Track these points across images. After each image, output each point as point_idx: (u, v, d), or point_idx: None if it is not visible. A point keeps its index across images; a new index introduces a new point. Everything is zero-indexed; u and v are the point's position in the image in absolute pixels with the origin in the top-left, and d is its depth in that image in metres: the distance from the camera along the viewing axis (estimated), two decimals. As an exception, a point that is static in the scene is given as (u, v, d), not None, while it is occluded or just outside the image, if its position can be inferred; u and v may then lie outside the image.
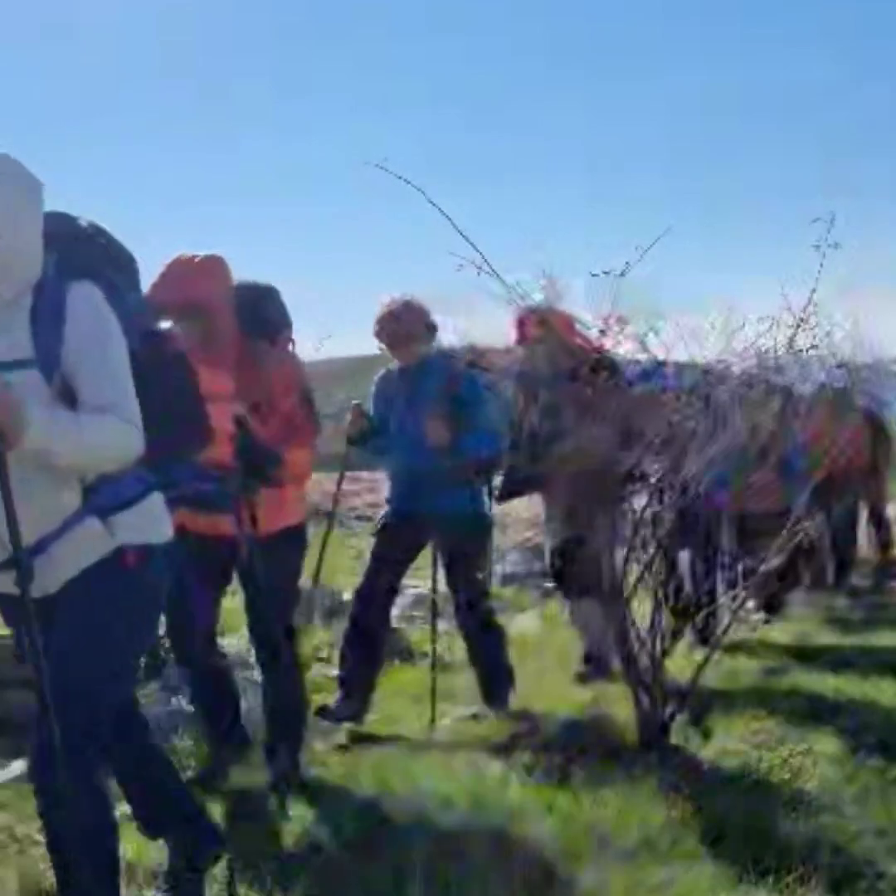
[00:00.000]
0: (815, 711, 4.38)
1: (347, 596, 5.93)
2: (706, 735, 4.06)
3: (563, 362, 4.80)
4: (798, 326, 3.67)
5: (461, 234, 3.73)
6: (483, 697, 4.81)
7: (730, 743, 3.97)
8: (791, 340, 3.72)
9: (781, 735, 4.04)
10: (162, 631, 3.68)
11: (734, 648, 5.30)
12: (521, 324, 4.98)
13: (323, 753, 4.20)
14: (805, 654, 5.62)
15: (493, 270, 3.86)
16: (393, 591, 4.84)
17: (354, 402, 4.72)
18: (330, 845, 3.18)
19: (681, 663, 4.50)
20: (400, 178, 3.72)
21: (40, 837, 2.82)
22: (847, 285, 3.79)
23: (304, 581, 4.19)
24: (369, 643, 4.66)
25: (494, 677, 4.81)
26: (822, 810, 3.31)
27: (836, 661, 5.38)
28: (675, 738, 3.96)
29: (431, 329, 4.66)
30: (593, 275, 3.87)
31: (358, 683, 4.60)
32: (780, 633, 6.32)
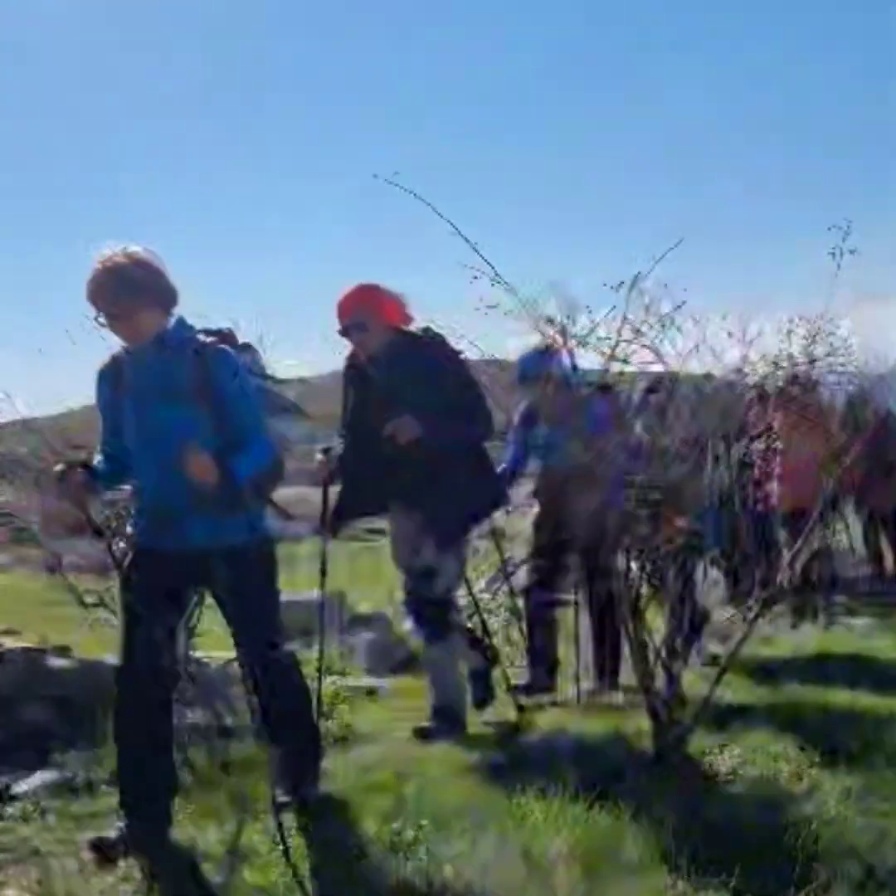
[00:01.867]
0: (832, 721, 4.36)
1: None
2: (723, 747, 4.04)
3: (393, 344, 4.58)
4: (815, 336, 3.67)
5: (473, 247, 3.73)
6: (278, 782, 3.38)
7: (747, 754, 3.96)
8: (807, 349, 3.72)
9: (799, 745, 4.03)
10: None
11: (750, 659, 5.28)
12: (339, 311, 4.57)
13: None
14: (822, 664, 5.62)
15: (505, 283, 3.85)
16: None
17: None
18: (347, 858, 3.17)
19: (697, 675, 4.50)
20: (410, 192, 3.72)
21: (59, 848, 2.82)
22: (861, 291, 3.77)
23: None
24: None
25: (297, 752, 3.54)
26: (843, 819, 3.30)
27: (850, 670, 5.37)
28: (691, 751, 3.95)
29: (164, 293, 3.42)
30: (606, 285, 3.88)
31: None
32: (797, 642, 6.32)
